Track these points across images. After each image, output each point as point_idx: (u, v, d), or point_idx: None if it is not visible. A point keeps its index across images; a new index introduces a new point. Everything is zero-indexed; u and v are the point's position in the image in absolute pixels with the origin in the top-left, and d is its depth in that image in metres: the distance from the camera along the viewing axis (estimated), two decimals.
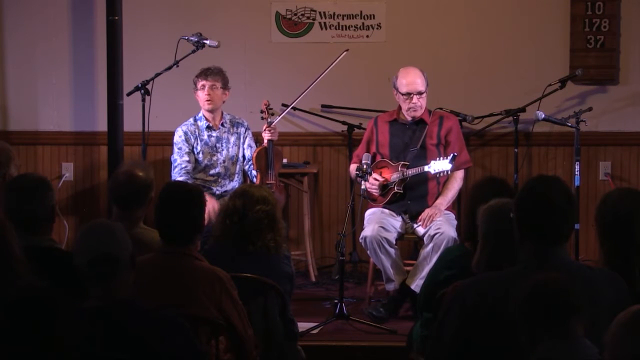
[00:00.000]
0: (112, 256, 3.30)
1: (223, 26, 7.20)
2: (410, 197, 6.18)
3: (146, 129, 6.48)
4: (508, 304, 3.26)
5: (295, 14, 7.30)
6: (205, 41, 6.50)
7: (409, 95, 6.15)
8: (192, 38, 6.51)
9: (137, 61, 7.09)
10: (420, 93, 6.14)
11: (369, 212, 6.24)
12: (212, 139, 6.55)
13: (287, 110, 6.85)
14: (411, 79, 6.15)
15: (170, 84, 6.88)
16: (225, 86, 6.52)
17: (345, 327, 5.75)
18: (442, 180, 6.20)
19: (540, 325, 2.97)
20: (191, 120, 6.60)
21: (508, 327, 3.25)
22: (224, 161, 6.56)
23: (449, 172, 6.00)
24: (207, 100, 6.48)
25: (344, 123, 7.14)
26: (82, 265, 3.32)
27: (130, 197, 4.46)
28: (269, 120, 6.55)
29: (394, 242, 6.01)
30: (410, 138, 6.24)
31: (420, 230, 6.10)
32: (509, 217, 3.79)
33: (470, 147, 7.10)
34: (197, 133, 6.54)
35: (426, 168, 6.01)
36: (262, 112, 6.60)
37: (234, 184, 6.55)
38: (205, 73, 6.47)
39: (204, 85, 6.48)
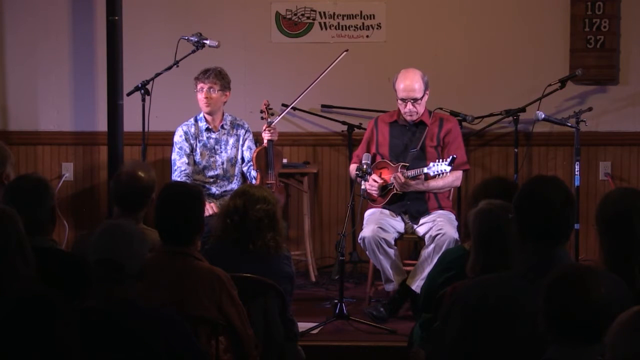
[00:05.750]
0: (117, 263, 3.30)
1: (223, 26, 7.20)
2: (410, 198, 6.18)
3: (146, 129, 6.47)
4: (509, 305, 3.27)
5: (295, 14, 7.30)
6: (205, 41, 6.50)
7: (404, 101, 6.16)
8: (192, 38, 6.51)
9: (137, 61, 7.09)
10: (415, 100, 6.13)
11: (368, 213, 6.24)
12: (211, 140, 6.54)
13: (286, 110, 6.85)
14: (408, 85, 6.14)
15: (170, 84, 6.88)
16: (224, 88, 6.51)
17: (345, 327, 5.75)
18: None
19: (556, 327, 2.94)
20: (192, 120, 6.59)
21: (509, 328, 3.26)
22: (222, 163, 6.56)
23: (448, 174, 6.00)
24: (205, 103, 6.48)
25: (344, 123, 7.14)
26: (91, 262, 3.33)
27: (131, 198, 4.47)
28: (269, 120, 6.54)
29: (393, 243, 6.01)
30: (410, 139, 6.24)
31: (421, 230, 6.10)
32: (500, 219, 3.80)
33: (470, 147, 7.11)
34: (196, 134, 6.54)
35: (425, 170, 6.00)
36: (262, 112, 6.60)
37: (233, 185, 6.54)
38: (204, 75, 6.44)
39: (202, 88, 6.47)
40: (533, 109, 6.74)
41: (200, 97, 6.49)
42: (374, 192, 6.18)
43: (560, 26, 7.17)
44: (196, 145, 6.53)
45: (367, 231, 5.96)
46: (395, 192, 6.14)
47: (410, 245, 6.98)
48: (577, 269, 3.02)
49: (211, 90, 6.46)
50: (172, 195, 4.16)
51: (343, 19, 7.28)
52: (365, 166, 5.97)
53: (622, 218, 3.61)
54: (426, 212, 6.16)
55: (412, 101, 6.13)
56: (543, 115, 6.52)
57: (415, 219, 6.16)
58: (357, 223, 6.54)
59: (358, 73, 7.21)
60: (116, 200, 4.55)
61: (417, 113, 6.18)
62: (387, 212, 6.16)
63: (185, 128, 6.55)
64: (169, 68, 6.49)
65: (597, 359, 2.85)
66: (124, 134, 6.91)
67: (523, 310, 3.22)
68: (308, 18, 7.30)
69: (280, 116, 6.77)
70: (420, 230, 6.10)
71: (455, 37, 7.24)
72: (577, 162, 6.58)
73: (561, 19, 7.17)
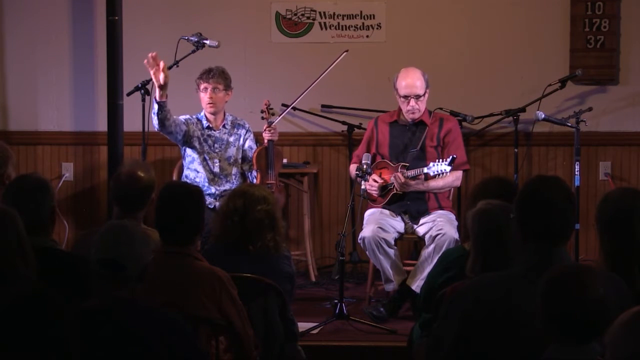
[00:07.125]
0: (119, 264, 3.30)
1: (223, 26, 7.20)
2: (410, 198, 6.18)
3: (146, 129, 6.47)
4: (509, 305, 3.27)
5: (295, 14, 7.30)
6: (205, 41, 6.49)
7: (406, 98, 6.16)
8: (192, 38, 6.51)
9: (137, 61, 7.06)
10: (418, 96, 6.13)
11: (368, 213, 6.24)
12: (211, 139, 6.54)
13: (287, 111, 6.86)
14: (410, 82, 6.14)
15: (170, 84, 6.85)
16: (227, 87, 6.50)
17: (345, 327, 5.75)
18: None
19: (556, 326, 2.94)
20: (193, 118, 6.58)
21: (509, 328, 3.26)
22: (221, 162, 6.55)
23: (448, 174, 6.00)
24: (210, 104, 6.47)
25: (344, 123, 7.14)
26: (93, 262, 3.33)
27: (131, 199, 4.47)
28: (270, 120, 6.54)
29: (393, 243, 6.01)
30: (410, 139, 6.24)
31: (421, 230, 6.10)
32: (500, 219, 3.80)
33: (470, 147, 7.11)
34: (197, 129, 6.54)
35: (425, 170, 6.00)
36: (262, 112, 6.59)
37: (232, 185, 6.53)
38: (207, 75, 6.43)
39: (206, 88, 6.46)
40: (533, 109, 6.74)
41: (204, 97, 6.48)
42: (374, 192, 6.18)
43: (560, 26, 7.17)
44: (196, 143, 6.51)
45: (367, 231, 5.96)
46: (395, 192, 6.14)
47: (410, 245, 6.98)
48: (575, 268, 3.03)
49: (215, 90, 6.45)
50: (171, 195, 4.15)
51: (343, 19, 7.28)
52: (365, 166, 5.97)
53: (622, 218, 3.61)
54: (426, 212, 6.16)
55: (414, 98, 6.13)
56: (543, 115, 6.52)
57: (415, 219, 6.16)
58: (357, 223, 6.54)
59: (358, 73, 7.21)
60: (116, 200, 4.55)
61: (419, 110, 6.18)
62: (387, 212, 6.16)
63: (187, 116, 6.53)
64: (169, 68, 6.46)
65: (597, 359, 2.85)
66: (124, 134, 6.91)
67: (523, 310, 3.22)
68: (308, 18, 7.30)
69: (281, 116, 6.77)
70: (420, 230, 6.10)
71: (455, 37, 7.24)
72: (577, 162, 6.58)
73: (561, 19, 7.17)
